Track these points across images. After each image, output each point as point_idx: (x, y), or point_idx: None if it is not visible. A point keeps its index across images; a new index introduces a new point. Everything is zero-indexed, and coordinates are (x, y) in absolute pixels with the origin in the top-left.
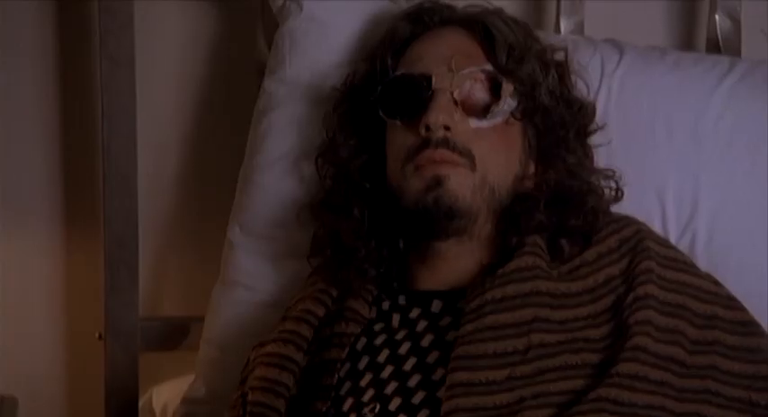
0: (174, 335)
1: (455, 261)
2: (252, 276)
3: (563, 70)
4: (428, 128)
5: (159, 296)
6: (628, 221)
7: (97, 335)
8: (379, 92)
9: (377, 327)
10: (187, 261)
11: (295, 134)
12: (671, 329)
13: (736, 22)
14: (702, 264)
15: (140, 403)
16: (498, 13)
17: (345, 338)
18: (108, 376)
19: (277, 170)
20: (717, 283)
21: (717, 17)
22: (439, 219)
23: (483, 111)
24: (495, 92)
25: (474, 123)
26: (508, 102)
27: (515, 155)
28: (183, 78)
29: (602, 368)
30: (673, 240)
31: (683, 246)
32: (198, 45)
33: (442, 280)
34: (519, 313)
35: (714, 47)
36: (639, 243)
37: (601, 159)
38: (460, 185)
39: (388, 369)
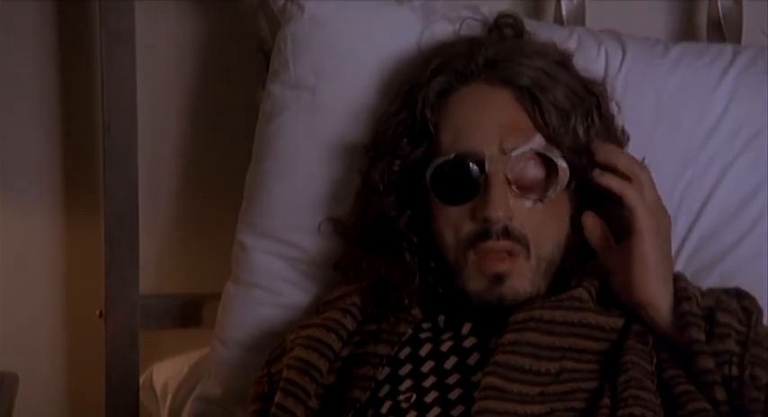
0: (175, 313)
1: None
2: (267, 277)
3: (603, 106)
4: (486, 218)
5: (160, 273)
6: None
7: (98, 313)
8: (430, 175)
9: (425, 325)
10: (188, 239)
11: (305, 139)
12: None
13: (737, 1)
14: (709, 259)
15: (141, 381)
16: (539, 54)
17: (395, 336)
18: (108, 353)
19: (290, 176)
20: None
21: None
22: (502, 311)
23: (537, 191)
24: (549, 168)
25: (528, 204)
26: (562, 179)
27: (565, 218)
28: (184, 54)
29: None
30: (680, 238)
31: (690, 244)
32: (199, 19)
33: None
34: (559, 339)
35: (716, 27)
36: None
37: None
38: (521, 278)
39: (429, 364)
